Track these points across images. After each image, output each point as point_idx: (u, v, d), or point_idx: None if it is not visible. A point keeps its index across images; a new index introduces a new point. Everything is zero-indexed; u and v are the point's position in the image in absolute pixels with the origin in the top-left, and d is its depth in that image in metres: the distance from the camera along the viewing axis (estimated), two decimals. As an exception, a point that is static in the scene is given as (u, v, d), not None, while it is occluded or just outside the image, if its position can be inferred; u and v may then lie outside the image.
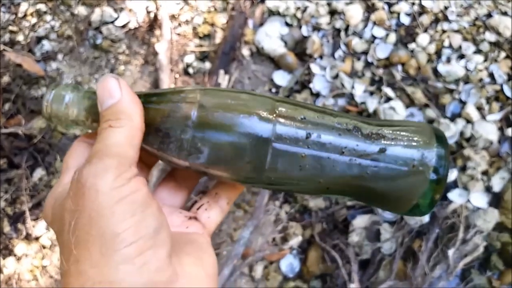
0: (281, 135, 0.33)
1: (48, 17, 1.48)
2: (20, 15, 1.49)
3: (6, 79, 1.39)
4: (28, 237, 1.31)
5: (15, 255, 1.29)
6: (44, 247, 1.31)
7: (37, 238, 1.31)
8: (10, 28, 1.47)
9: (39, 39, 1.46)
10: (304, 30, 1.46)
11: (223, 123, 0.33)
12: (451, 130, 1.30)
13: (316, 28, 1.46)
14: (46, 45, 1.45)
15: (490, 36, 1.41)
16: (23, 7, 1.49)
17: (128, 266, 0.27)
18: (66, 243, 0.29)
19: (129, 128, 0.32)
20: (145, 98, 0.35)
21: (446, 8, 1.45)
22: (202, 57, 1.49)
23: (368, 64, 1.43)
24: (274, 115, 0.34)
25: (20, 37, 1.46)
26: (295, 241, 1.24)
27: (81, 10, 1.48)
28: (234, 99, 0.35)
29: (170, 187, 0.40)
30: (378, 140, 0.34)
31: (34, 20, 1.48)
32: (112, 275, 0.27)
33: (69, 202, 0.30)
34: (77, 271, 0.28)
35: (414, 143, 0.34)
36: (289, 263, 1.25)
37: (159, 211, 0.31)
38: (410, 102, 1.37)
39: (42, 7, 1.49)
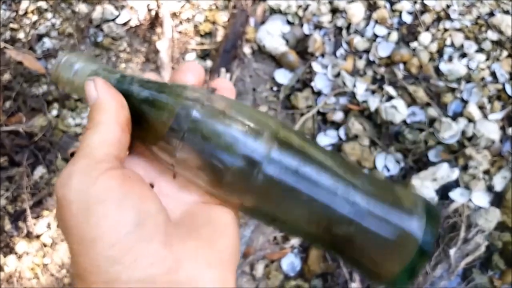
0: (273, 166, 0.32)
1: (49, 15, 1.48)
2: (21, 12, 1.48)
3: (7, 76, 1.39)
4: (29, 235, 1.31)
5: (16, 253, 1.29)
6: (45, 245, 1.31)
7: (38, 236, 1.31)
8: (11, 25, 1.47)
9: (40, 37, 1.46)
10: (306, 29, 1.46)
11: (219, 135, 0.32)
12: (453, 129, 1.30)
13: (318, 26, 1.46)
14: (47, 42, 1.45)
15: (492, 35, 1.40)
16: (24, 4, 1.49)
17: (118, 267, 0.27)
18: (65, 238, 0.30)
19: (104, 126, 0.31)
20: (138, 89, 0.34)
21: (448, 6, 1.45)
22: (204, 55, 1.48)
23: (369, 63, 1.43)
24: (273, 142, 0.32)
25: (21, 35, 1.46)
26: (296, 240, 1.24)
27: (82, 7, 1.48)
28: (239, 113, 0.33)
29: None
30: (370, 203, 0.33)
31: (35, 17, 1.48)
32: (105, 277, 0.27)
33: (56, 212, 0.30)
34: (77, 275, 0.29)
35: (405, 216, 0.32)
36: (290, 262, 1.25)
37: (141, 200, 0.30)
38: (411, 101, 1.36)
39: (43, 4, 1.48)
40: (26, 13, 1.49)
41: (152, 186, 0.34)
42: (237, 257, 0.33)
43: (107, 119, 0.32)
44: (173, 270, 0.28)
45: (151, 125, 0.33)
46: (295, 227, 0.35)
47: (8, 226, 1.30)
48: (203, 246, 0.31)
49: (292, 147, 0.33)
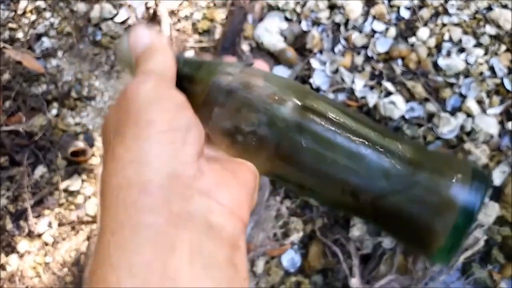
0: (303, 133, 0.32)
1: (47, 14, 1.48)
2: (19, 12, 1.49)
3: (6, 76, 1.39)
4: (30, 234, 1.32)
5: (17, 252, 1.30)
6: (46, 244, 1.32)
7: (39, 235, 1.32)
8: (10, 25, 1.47)
9: (38, 36, 1.46)
10: (304, 25, 1.46)
11: (247, 104, 0.33)
12: (451, 124, 1.31)
13: (316, 22, 1.46)
14: (46, 42, 1.45)
15: (490, 29, 1.40)
16: (23, 4, 1.49)
17: (158, 151, 0.28)
18: (107, 144, 0.31)
19: (163, 56, 0.34)
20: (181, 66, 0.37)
21: (446, 1, 1.45)
22: (202, 52, 1.49)
23: (368, 59, 1.43)
24: (300, 109, 0.32)
25: (19, 34, 1.46)
26: (296, 236, 1.25)
27: (80, 6, 1.48)
28: (269, 82, 0.34)
29: None
30: (414, 168, 0.32)
31: (33, 17, 1.48)
32: (142, 157, 0.28)
33: (113, 108, 0.32)
34: (112, 155, 0.29)
35: (451, 179, 0.31)
36: (290, 258, 1.26)
37: (194, 117, 0.32)
38: (410, 96, 1.37)
39: (41, 4, 1.49)
40: (24, 12, 1.49)
41: None
42: (254, 188, 0.34)
43: (165, 53, 0.35)
44: (194, 177, 0.29)
45: (191, 97, 0.34)
46: (327, 198, 0.35)
47: (9, 225, 1.31)
48: (225, 169, 0.33)
49: (322, 115, 0.33)
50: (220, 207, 0.29)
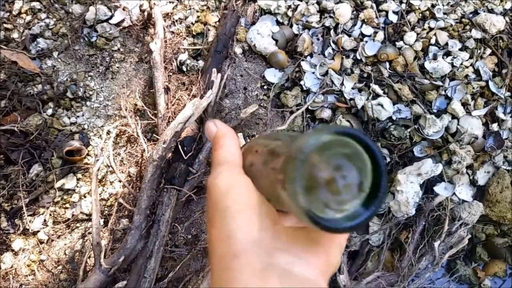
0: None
1: (42, 15, 1.50)
2: (14, 12, 1.50)
3: (1, 76, 1.41)
4: (25, 232, 1.33)
5: (12, 250, 1.32)
6: (41, 242, 1.33)
7: (34, 233, 1.33)
8: (5, 25, 1.49)
9: (34, 37, 1.48)
10: (295, 29, 1.49)
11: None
12: (437, 126, 1.34)
13: (307, 26, 1.49)
14: (41, 42, 1.47)
15: (476, 33, 1.44)
16: (18, 4, 1.50)
17: (238, 227, 0.37)
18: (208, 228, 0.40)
19: (228, 143, 0.43)
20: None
21: (433, 6, 1.48)
22: (195, 55, 1.51)
23: (357, 62, 1.46)
24: None
25: (15, 35, 1.48)
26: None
27: (75, 8, 1.50)
28: None
29: None
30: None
31: (28, 17, 1.50)
32: (228, 233, 0.37)
33: (206, 199, 0.40)
34: (209, 236, 0.39)
35: None
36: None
37: (260, 195, 0.40)
38: (397, 98, 1.40)
39: (36, 4, 1.50)
40: (19, 13, 1.51)
41: None
42: (329, 272, 0.39)
43: (229, 140, 0.44)
44: (274, 239, 0.37)
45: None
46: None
47: (4, 223, 1.33)
48: (302, 235, 0.39)
49: None
50: (298, 260, 0.37)
